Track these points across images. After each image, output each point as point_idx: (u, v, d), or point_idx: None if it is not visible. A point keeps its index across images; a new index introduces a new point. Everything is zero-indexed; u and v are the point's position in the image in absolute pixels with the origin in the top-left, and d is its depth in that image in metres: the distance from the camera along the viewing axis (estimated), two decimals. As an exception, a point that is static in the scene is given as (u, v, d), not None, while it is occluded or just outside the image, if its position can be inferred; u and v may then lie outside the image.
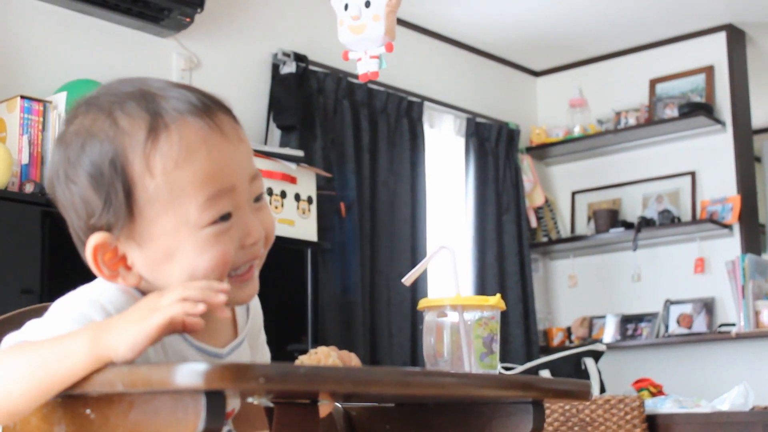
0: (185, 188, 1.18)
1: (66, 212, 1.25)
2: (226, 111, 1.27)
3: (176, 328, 1.06)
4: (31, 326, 1.17)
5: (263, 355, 1.44)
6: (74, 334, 1.08)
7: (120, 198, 1.19)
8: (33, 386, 1.06)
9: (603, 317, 5.91)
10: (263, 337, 1.45)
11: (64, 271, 3.22)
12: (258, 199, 1.26)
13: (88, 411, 1.07)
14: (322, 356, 1.24)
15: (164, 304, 1.06)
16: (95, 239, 1.21)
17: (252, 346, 1.40)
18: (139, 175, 1.18)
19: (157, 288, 1.20)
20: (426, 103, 5.44)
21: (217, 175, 1.20)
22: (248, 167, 1.25)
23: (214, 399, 0.97)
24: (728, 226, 5.56)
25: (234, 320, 1.36)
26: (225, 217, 1.21)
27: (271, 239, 1.28)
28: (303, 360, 1.26)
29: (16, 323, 1.35)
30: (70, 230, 1.27)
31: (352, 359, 1.34)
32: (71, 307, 1.18)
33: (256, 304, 1.41)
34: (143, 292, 1.23)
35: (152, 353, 1.19)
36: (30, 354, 1.08)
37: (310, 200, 4.09)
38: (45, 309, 1.22)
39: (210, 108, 1.24)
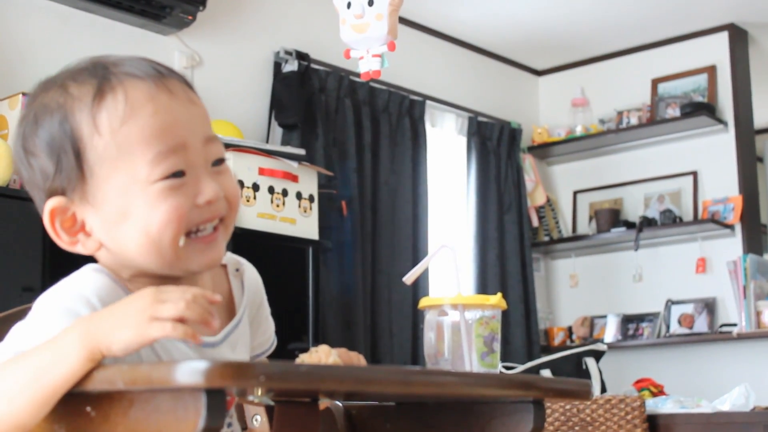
0: (133, 145, 1.19)
1: (30, 189, 1.28)
2: (178, 77, 1.28)
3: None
4: (18, 331, 1.16)
5: (266, 329, 1.42)
6: (63, 335, 1.07)
7: (71, 159, 1.20)
8: (34, 397, 1.06)
9: (604, 317, 5.91)
10: (266, 310, 1.43)
11: (65, 268, 3.22)
12: (217, 163, 1.26)
13: (88, 409, 1.07)
14: (323, 355, 1.24)
15: (164, 315, 1.04)
16: (51, 203, 1.23)
17: (252, 322, 1.38)
18: (87, 134, 1.20)
19: (117, 254, 1.23)
20: (428, 102, 5.44)
21: (165, 131, 1.20)
22: (201, 128, 1.25)
23: (215, 397, 0.97)
24: (730, 226, 5.55)
25: (231, 299, 1.35)
26: (177, 174, 1.21)
27: (235, 204, 1.27)
28: (303, 359, 1.26)
29: (17, 320, 1.35)
30: (38, 209, 1.28)
31: (360, 359, 1.34)
32: (56, 304, 1.18)
33: (251, 276, 1.40)
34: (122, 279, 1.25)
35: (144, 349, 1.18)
36: (24, 365, 1.07)
37: (311, 199, 4.09)
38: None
39: (160, 72, 1.25)
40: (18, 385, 1.06)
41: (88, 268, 1.25)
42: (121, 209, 1.21)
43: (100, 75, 1.24)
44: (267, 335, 1.45)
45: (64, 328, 1.09)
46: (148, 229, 1.20)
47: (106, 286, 1.22)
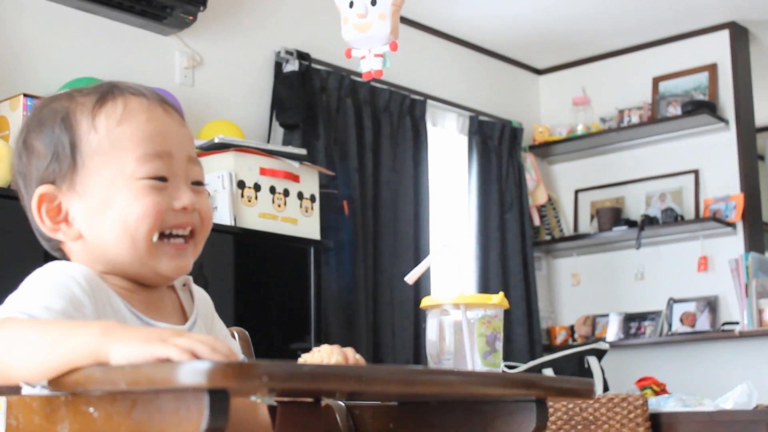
0: (125, 143, 1.32)
1: (21, 179, 1.39)
2: (174, 106, 1.42)
3: None
4: (13, 301, 1.23)
5: (224, 338, 1.49)
6: (86, 326, 1.10)
7: (66, 150, 1.33)
8: (36, 358, 1.09)
9: (606, 316, 5.91)
10: (219, 323, 1.50)
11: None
12: (196, 183, 1.38)
13: (91, 409, 1.07)
14: (325, 355, 1.24)
15: (174, 342, 1.04)
16: (41, 189, 1.34)
17: (209, 331, 1.46)
18: (84, 131, 1.33)
19: (93, 245, 1.33)
20: (429, 102, 5.44)
21: (154, 137, 1.33)
22: (188, 147, 1.39)
23: (218, 397, 0.97)
24: (731, 225, 5.55)
25: (181, 306, 1.43)
26: (160, 179, 1.33)
27: (207, 222, 1.39)
28: (306, 358, 1.26)
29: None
30: (24, 204, 1.40)
31: (357, 357, 1.34)
32: (48, 279, 1.26)
33: (199, 290, 1.49)
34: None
35: None
36: (39, 329, 1.12)
37: (312, 198, 4.09)
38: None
39: (159, 95, 1.39)
40: (29, 342, 1.11)
41: (70, 262, 1.34)
42: (104, 199, 1.32)
43: (105, 88, 1.37)
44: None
45: (88, 322, 1.13)
46: (126, 220, 1.30)
47: (87, 273, 1.30)
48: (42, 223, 1.35)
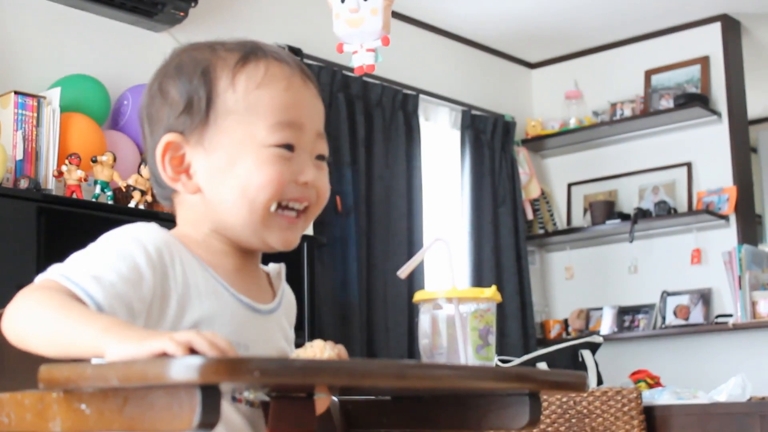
0: (260, 109, 1.32)
1: (147, 121, 1.38)
2: (314, 79, 1.42)
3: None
4: (73, 259, 1.23)
5: (291, 343, 1.47)
6: (93, 320, 1.11)
7: (201, 103, 1.32)
8: (47, 339, 1.13)
9: (600, 309, 5.92)
10: (292, 333, 1.48)
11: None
12: (319, 158, 1.37)
13: (83, 406, 1.06)
14: (318, 350, 1.24)
15: (170, 335, 1.04)
16: (169, 136, 1.33)
17: (289, 324, 1.45)
18: (223, 88, 1.33)
19: (209, 203, 1.32)
20: (421, 96, 5.44)
21: (290, 106, 1.33)
22: (319, 121, 1.39)
23: (210, 393, 0.96)
24: (724, 217, 5.56)
25: (270, 284, 1.43)
26: (287, 147, 1.32)
27: (322, 199, 1.38)
28: (298, 354, 1.26)
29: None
30: (145, 148, 1.40)
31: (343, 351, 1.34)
32: (117, 243, 1.25)
33: (290, 291, 1.48)
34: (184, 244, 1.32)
35: (195, 299, 1.27)
36: (55, 312, 1.13)
37: (305, 194, 4.08)
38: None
39: (300, 66, 1.39)
40: (44, 320, 1.13)
41: (153, 223, 1.32)
42: (230, 160, 1.31)
43: (248, 47, 1.37)
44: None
45: (99, 316, 1.13)
46: (247, 185, 1.30)
47: (165, 240, 1.29)
48: (164, 171, 1.33)
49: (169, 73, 1.37)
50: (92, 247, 1.25)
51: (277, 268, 1.46)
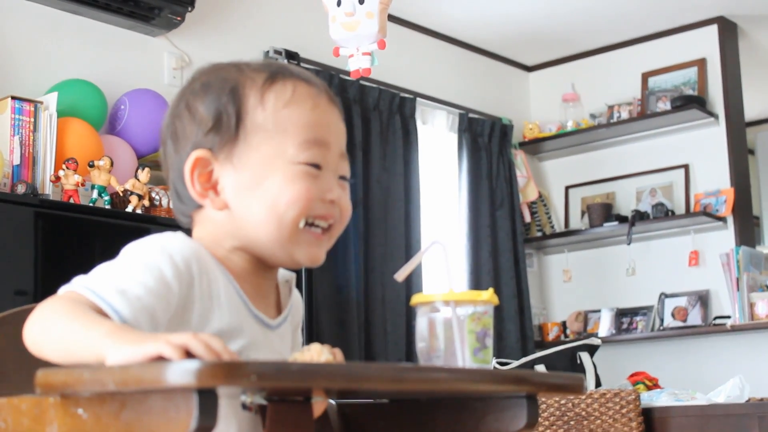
0: (288, 127, 1.33)
1: (172, 139, 1.39)
2: (337, 101, 1.43)
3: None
4: (99, 271, 1.23)
5: (296, 347, 1.47)
6: (99, 324, 1.12)
7: (231, 121, 1.34)
8: (61, 346, 1.13)
9: (598, 311, 5.92)
10: (298, 332, 1.50)
11: (58, 271, 3.21)
12: (342, 179, 1.39)
13: (80, 411, 1.06)
14: (315, 353, 1.24)
15: (167, 338, 1.04)
16: (198, 152, 1.34)
17: (292, 334, 1.46)
18: (252, 105, 1.34)
19: (237, 219, 1.33)
20: (418, 99, 5.44)
21: (317, 125, 1.35)
22: (342, 141, 1.40)
23: (207, 397, 0.96)
24: (722, 219, 5.56)
25: (279, 300, 1.44)
26: (315, 167, 1.34)
27: (345, 218, 1.39)
28: (296, 357, 1.26)
29: (11, 324, 1.35)
30: (166, 165, 1.41)
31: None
32: (145, 254, 1.25)
33: (297, 294, 1.49)
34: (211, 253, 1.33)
35: (216, 311, 1.28)
36: (71, 320, 1.14)
37: (303, 198, 4.09)
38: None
39: (324, 86, 1.41)
40: (59, 336, 1.14)
41: (179, 233, 1.32)
42: (258, 177, 1.32)
43: (275, 68, 1.39)
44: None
45: (105, 322, 1.14)
46: (276, 201, 1.31)
47: (193, 250, 1.29)
48: (192, 186, 1.34)
49: (196, 92, 1.38)
50: (119, 259, 1.25)
51: (286, 277, 1.47)
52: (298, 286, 3.96)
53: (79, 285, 1.20)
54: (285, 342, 1.42)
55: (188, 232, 1.39)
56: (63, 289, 1.21)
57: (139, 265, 1.22)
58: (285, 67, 1.40)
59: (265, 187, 1.32)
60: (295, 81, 1.37)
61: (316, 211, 1.33)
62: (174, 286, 1.24)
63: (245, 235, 1.34)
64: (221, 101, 1.35)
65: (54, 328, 1.14)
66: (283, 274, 1.46)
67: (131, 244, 1.27)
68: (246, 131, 1.33)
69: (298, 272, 4.48)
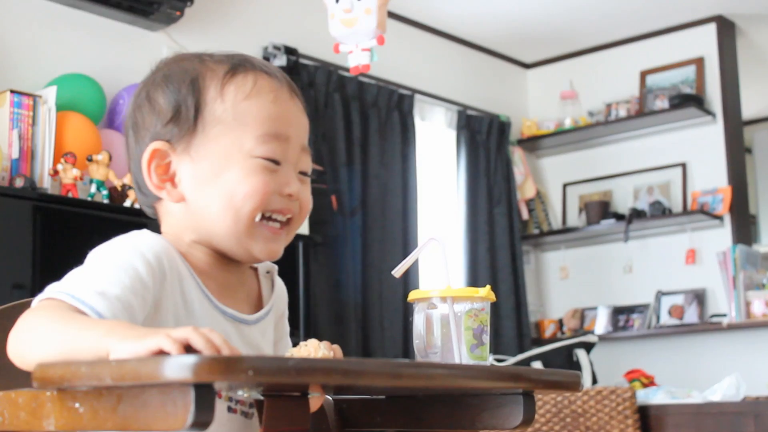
0: (248, 119, 1.32)
1: (133, 130, 1.38)
2: (300, 94, 1.42)
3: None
4: (72, 276, 1.21)
5: (285, 345, 1.47)
6: (96, 324, 1.12)
7: (190, 112, 1.33)
8: (49, 354, 1.11)
9: (595, 309, 5.92)
10: (285, 322, 1.49)
11: (55, 265, 3.22)
12: (302, 174, 1.38)
13: (77, 405, 1.06)
14: (312, 349, 1.24)
15: (167, 332, 1.04)
16: (156, 144, 1.33)
17: (276, 324, 1.44)
18: (211, 97, 1.34)
19: (194, 212, 1.32)
20: (417, 96, 5.44)
21: (277, 119, 1.34)
22: (303, 135, 1.39)
23: (203, 392, 0.96)
24: (719, 217, 5.57)
25: (259, 292, 1.43)
26: (274, 162, 1.33)
27: (305, 212, 1.39)
28: (293, 352, 1.26)
29: (8, 317, 1.35)
30: (128, 156, 1.39)
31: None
32: (117, 254, 1.24)
33: (280, 284, 1.48)
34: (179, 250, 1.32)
35: (183, 316, 1.27)
36: (58, 326, 1.12)
37: (301, 193, 4.08)
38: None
39: (287, 80, 1.40)
40: (50, 335, 1.12)
41: (145, 230, 1.31)
42: (216, 169, 1.31)
43: (237, 59, 1.39)
44: (282, 353, 1.47)
45: (99, 321, 1.13)
46: (233, 195, 1.30)
47: (163, 246, 1.29)
48: (149, 178, 1.33)
49: (157, 82, 1.37)
50: (91, 263, 1.24)
51: (267, 268, 1.46)
52: (296, 283, 3.96)
53: (55, 291, 1.19)
54: (267, 336, 1.41)
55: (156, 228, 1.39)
56: (37, 299, 1.20)
57: (113, 266, 1.22)
58: (248, 59, 1.39)
59: (222, 180, 1.31)
60: (256, 73, 1.36)
61: (273, 205, 1.33)
62: (149, 283, 1.23)
63: (203, 229, 1.33)
64: (181, 92, 1.34)
65: (47, 337, 1.13)
66: (263, 266, 1.46)
67: (99, 247, 1.26)
68: (205, 123, 1.32)
69: (295, 269, 4.46)
